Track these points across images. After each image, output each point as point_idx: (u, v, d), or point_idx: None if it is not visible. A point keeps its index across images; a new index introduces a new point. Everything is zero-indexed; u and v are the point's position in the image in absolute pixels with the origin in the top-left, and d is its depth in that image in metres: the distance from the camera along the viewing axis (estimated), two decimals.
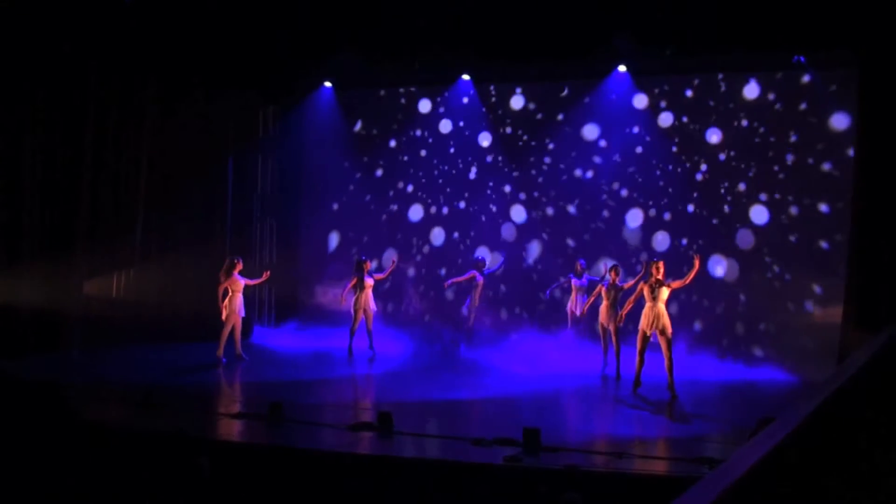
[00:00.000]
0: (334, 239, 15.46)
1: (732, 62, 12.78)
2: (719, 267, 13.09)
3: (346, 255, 14.95)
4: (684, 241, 13.30)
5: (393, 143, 15.19)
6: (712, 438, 7.78)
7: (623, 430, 8.22)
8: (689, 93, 13.49)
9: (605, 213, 13.91)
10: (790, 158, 12.77)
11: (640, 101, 13.68)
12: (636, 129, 13.72)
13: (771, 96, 12.98)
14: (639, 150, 13.66)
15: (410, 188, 15.12)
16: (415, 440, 7.47)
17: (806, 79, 12.60)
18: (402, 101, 15.19)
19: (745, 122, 13.07)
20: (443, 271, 14.65)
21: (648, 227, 13.59)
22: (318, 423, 7.91)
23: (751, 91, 13.04)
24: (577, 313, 12.22)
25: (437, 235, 14.96)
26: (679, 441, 7.78)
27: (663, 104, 13.61)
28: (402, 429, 7.63)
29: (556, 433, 7.41)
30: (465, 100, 14.68)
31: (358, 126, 15.33)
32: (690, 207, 13.33)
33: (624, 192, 13.76)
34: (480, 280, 13.36)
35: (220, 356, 11.58)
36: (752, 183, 12.96)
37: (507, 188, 14.53)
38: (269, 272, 12.54)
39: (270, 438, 7.54)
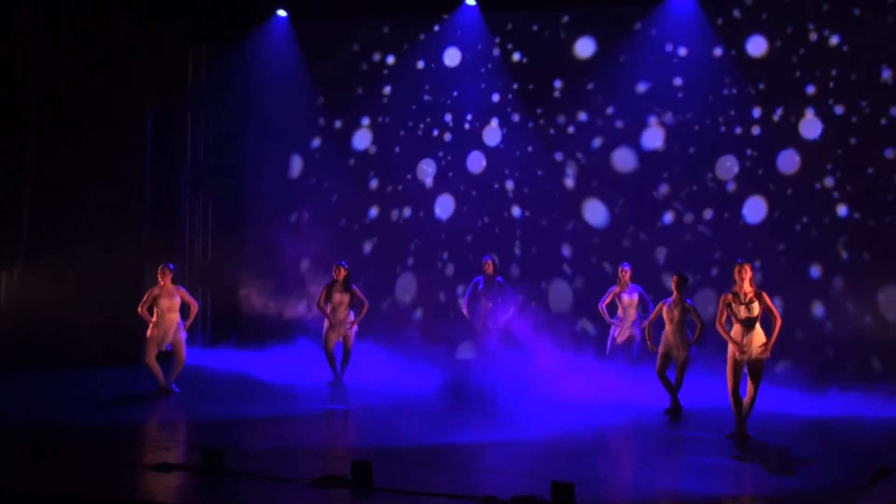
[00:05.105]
0: (292, 226, 15.43)
1: None
2: (823, 270, 13.12)
3: (310, 250, 14.96)
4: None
5: (372, 94, 15.16)
6: (809, 496, 7.78)
7: (686, 483, 8.22)
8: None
9: (663, 192, 13.94)
10: None
11: (710, 33, 13.69)
12: (710, 73, 13.73)
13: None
14: (710, 99, 13.68)
15: (398, 153, 15.06)
16: (403, 499, 7.42)
17: None
18: (385, 34, 15.12)
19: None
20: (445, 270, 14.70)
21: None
22: (270, 476, 7.90)
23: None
24: (620, 340, 12.34)
25: (439, 218, 14.94)
26: (764, 499, 7.78)
27: (748, 37, 13.61)
28: (384, 484, 7.63)
29: (595, 488, 7.40)
30: (471, 32, 14.66)
31: (323, 71, 15.24)
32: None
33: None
34: (482, 287, 13.41)
35: (163, 386, 11.65)
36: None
37: (530, 154, 14.49)
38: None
39: (206, 497, 7.55)
